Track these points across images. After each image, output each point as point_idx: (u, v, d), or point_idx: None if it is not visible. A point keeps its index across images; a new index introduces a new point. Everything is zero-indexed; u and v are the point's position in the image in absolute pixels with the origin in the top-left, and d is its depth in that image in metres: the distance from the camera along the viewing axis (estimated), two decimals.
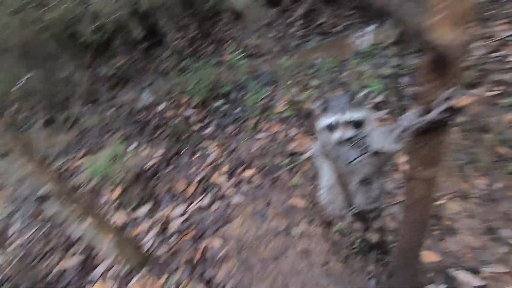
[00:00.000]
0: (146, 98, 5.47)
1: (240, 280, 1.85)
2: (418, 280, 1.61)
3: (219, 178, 2.78)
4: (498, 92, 2.89)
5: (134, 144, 3.82)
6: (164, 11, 5.32)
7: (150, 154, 3.62)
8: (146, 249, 2.20)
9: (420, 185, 0.89)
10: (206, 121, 4.28)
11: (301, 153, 2.77)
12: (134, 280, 1.99)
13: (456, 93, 0.64)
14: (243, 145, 3.23)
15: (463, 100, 0.63)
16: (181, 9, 5.50)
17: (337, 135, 1.29)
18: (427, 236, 1.87)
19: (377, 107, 3.16)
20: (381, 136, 0.88)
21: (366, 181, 1.47)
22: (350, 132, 1.22)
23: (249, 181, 2.62)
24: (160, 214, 2.58)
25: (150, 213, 2.65)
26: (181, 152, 3.60)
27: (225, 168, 2.87)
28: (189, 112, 4.48)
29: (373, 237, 1.80)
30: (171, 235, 2.30)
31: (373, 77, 3.50)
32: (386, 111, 3.01)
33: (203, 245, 2.12)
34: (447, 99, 0.66)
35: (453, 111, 0.66)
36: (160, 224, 2.44)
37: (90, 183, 3.24)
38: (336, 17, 5.21)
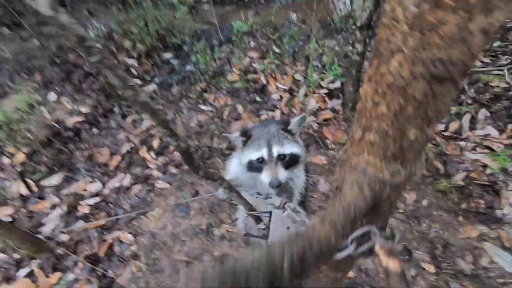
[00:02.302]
0: (94, 32, 4.56)
1: (145, 284, 1.68)
2: None
3: (147, 154, 2.44)
4: None
5: (54, 94, 3.19)
6: None
7: (74, 110, 3.07)
8: (43, 235, 1.89)
9: (324, 279, 0.72)
10: (149, 76, 3.72)
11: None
12: (22, 272, 1.72)
13: (376, 237, 0.42)
14: (182, 116, 2.86)
15: (385, 253, 0.42)
16: None
17: (265, 178, 1.07)
18: None
19: (332, 94, 2.95)
20: (283, 225, 0.68)
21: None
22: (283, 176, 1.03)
23: (179, 163, 2.33)
24: (71, 189, 2.23)
25: (60, 186, 2.28)
26: (112, 112, 3.12)
27: (156, 142, 2.53)
28: (130, 62, 3.84)
29: None
30: (78, 219, 2.00)
31: (336, 56, 3.22)
32: (340, 101, 2.82)
33: (111, 238, 1.87)
34: (363, 236, 0.45)
35: (369, 251, 0.46)
36: (67, 203, 2.10)
37: None
38: None
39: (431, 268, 1.73)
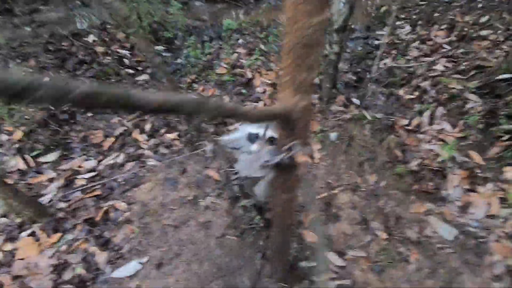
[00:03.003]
0: (81, 23, 4.69)
1: (138, 244, 1.92)
2: (294, 258, 1.88)
3: (139, 136, 2.66)
4: (414, 96, 3.20)
5: (48, 79, 3.33)
6: None
7: None
8: (43, 202, 2.09)
9: (280, 204, 0.99)
10: (141, 66, 3.92)
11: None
12: (24, 234, 1.91)
13: (295, 147, 0.69)
14: None
15: (299, 155, 0.68)
16: None
17: (255, 147, 1.31)
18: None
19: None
20: (248, 164, 0.93)
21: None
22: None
23: (169, 145, 2.57)
24: (68, 166, 2.42)
25: (56, 163, 2.47)
26: None
27: (148, 126, 2.75)
28: (124, 52, 4.02)
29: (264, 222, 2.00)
30: (75, 191, 2.21)
31: None
32: (317, 95, 3.12)
33: (106, 205, 2.09)
34: (289, 149, 0.71)
35: (293, 160, 0.73)
36: (64, 177, 2.30)
37: None
38: None
39: (383, 235, 2.04)
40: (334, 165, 2.47)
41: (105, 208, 2.07)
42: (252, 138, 1.38)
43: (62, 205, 2.10)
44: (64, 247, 1.87)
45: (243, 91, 3.32)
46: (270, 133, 1.29)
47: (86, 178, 2.30)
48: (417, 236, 2.07)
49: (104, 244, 1.90)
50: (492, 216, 2.14)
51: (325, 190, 2.29)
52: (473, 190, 2.29)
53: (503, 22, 4.00)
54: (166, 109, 0.42)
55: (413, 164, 2.48)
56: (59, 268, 1.80)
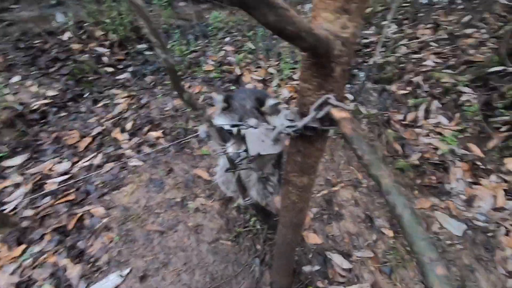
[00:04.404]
0: (61, 21, 4.37)
1: (117, 253, 1.66)
2: (295, 263, 1.68)
3: (120, 135, 2.42)
4: (407, 91, 3.13)
5: (19, 77, 3.04)
6: None
7: (40, 93, 2.95)
8: (6, 211, 1.80)
9: (293, 191, 0.81)
10: (122, 65, 3.67)
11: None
12: None
13: (332, 100, 0.51)
14: (156, 101, 2.86)
15: (339, 111, 0.51)
16: None
17: (230, 149, 1.08)
18: (316, 220, 1.97)
19: None
20: (258, 139, 0.74)
21: (263, 178, 1.39)
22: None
23: (153, 143, 2.34)
24: (37, 169, 2.14)
25: (24, 166, 2.18)
26: (83, 97, 3.03)
27: (129, 124, 2.51)
28: (102, 50, 3.76)
29: (263, 222, 1.80)
30: (45, 196, 1.93)
31: None
32: None
33: (81, 211, 1.83)
34: (322, 105, 0.54)
35: (330, 121, 0.55)
36: (33, 181, 2.02)
37: None
38: None
39: (390, 233, 1.89)
40: (333, 161, 2.32)
41: (79, 215, 1.81)
42: (225, 135, 1.14)
43: (29, 212, 1.82)
44: (28, 261, 1.59)
45: (232, 87, 3.14)
46: (272, 100, 1.10)
47: (57, 182, 2.03)
48: None
49: (78, 256, 1.63)
50: (499, 209, 2.04)
51: (325, 187, 2.13)
52: (476, 183, 2.20)
53: (485, 21, 4.08)
54: None
55: (414, 158, 2.37)
56: (22, 286, 1.52)
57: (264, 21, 0.34)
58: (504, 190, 2.12)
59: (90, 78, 3.31)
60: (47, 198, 1.90)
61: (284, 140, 0.81)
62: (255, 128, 0.76)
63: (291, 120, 0.61)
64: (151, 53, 4.00)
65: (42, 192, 1.93)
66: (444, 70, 3.26)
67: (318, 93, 0.55)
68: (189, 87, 3.04)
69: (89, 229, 1.77)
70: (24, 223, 1.75)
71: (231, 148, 1.04)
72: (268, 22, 0.34)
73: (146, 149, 2.29)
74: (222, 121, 1.16)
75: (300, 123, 0.57)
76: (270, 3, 0.32)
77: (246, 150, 0.86)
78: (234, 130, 1.05)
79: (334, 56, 0.47)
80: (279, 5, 0.33)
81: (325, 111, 0.53)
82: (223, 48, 3.78)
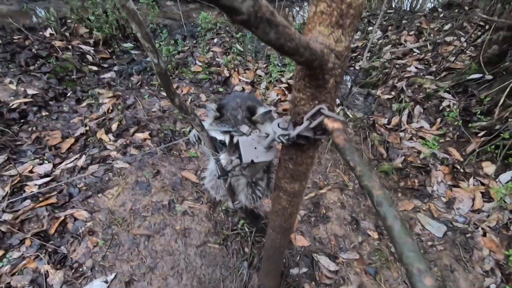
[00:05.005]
0: (40, 15, 4.22)
1: (102, 258, 1.62)
2: (283, 265, 1.69)
3: (105, 136, 2.36)
4: (391, 96, 3.23)
5: None
6: None
7: (19, 91, 2.83)
8: None
9: (284, 197, 0.82)
10: (107, 64, 3.59)
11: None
12: None
13: (325, 111, 0.53)
14: (143, 102, 2.81)
15: (332, 121, 0.52)
16: None
17: (223, 159, 1.08)
18: (304, 222, 1.99)
19: (291, 88, 3.15)
20: (251, 147, 0.75)
21: (252, 183, 1.39)
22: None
23: (140, 145, 2.30)
24: (15, 171, 2.05)
25: (1, 167, 2.08)
26: (65, 96, 2.93)
27: (114, 125, 2.45)
28: (86, 48, 3.66)
29: (251, 224, 1.81)
30: (24, 199, 1.85)
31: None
32: None
33: (63, 215, 1.77)
34: (315, 115, 0.55)
35: (322, 130, 0.57)
36: (11, 184, 1.93)
37: None
38: None
39: (375, 235, 1.94)
40: (320, 164, 2.35)
41: (61, 219, 1.75)
42: (218, 145, 1.15)
43: (7, 217, 1.74)
44: (7, 268, 1.52)
45: (221, 89, 3.13)
46: (263, 108, 1.11)
47: (38, 185, 1.95)
48: None
49: (60, 262, 1.58)
50: (477, 211, 2.13)
51: (312, 190, 2.16)
52: (456, 186, 2.29)
53: (464, 30, 4.26)
54: None
55: (398, 162, 2.44)
56: None
57: (265, 39, 0.35)
58: (481, 192, 2.22)
59: (73, 76, 3.21)
60: (27, 201, 1.83)
61: (276, 147, 0.82)
62: (248, 135, 0.77)
63: (284, 129, 0.62)
64: (137, 52, 3.93)
65: (22, 196, 1.86)
66: (427, 76, 3.38)
67: (311, 103, 0.56)
68: (177, 88, 3.01)
69: (72, 233, 1.71)
70: (2, 228, 1.67)
71: (223, 156, 1.05)
72: (270, 40, 0.35)
73: (132, 151, 2.24)
74: (214, 132, 1.16)
75: (293, 132, 0.58)
76: (272, 21, 0.32)
77: (239, 157, 0.87)
78: (227, 138, 1.05)
79: (328, 69, 0.48)
80: (280, 23, 0.34)
81: (318, 121, 0.54)
82: (212, 49, 3.76)
